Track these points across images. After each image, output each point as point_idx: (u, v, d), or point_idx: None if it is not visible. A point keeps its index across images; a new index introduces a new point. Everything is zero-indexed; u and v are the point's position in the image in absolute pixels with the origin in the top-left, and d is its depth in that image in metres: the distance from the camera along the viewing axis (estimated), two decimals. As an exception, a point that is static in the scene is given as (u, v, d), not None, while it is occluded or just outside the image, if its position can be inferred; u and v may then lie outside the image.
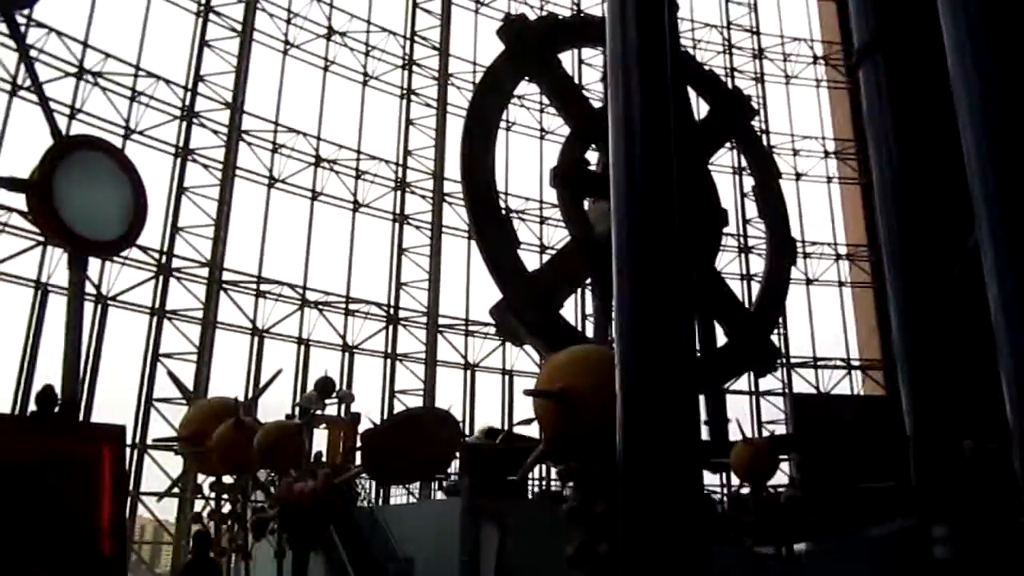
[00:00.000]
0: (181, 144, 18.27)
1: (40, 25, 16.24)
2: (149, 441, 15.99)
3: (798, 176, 26.82)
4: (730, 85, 22.88)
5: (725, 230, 17.64)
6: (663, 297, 7.32)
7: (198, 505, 14.27)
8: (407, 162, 21.87)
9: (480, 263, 21.05)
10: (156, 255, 17.35)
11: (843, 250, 27.00)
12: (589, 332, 20.91)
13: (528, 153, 23.69)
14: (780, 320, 22.32)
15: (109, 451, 10.20)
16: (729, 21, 27.70)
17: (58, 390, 10.07)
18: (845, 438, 18.40)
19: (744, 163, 23.95)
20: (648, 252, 7.38)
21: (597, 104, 17.16)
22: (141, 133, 17.67)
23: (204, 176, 18.48)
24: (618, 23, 8.01)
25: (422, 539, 10.78)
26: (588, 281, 16.31)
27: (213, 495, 13.05)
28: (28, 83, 15.66)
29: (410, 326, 20.88)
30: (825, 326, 26.09)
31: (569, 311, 18.53)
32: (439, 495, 14.08)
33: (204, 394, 16.45)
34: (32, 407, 10.05)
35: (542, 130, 23.91)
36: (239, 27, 19.64)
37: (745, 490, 13.38)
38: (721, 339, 16.32)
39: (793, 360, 24.63)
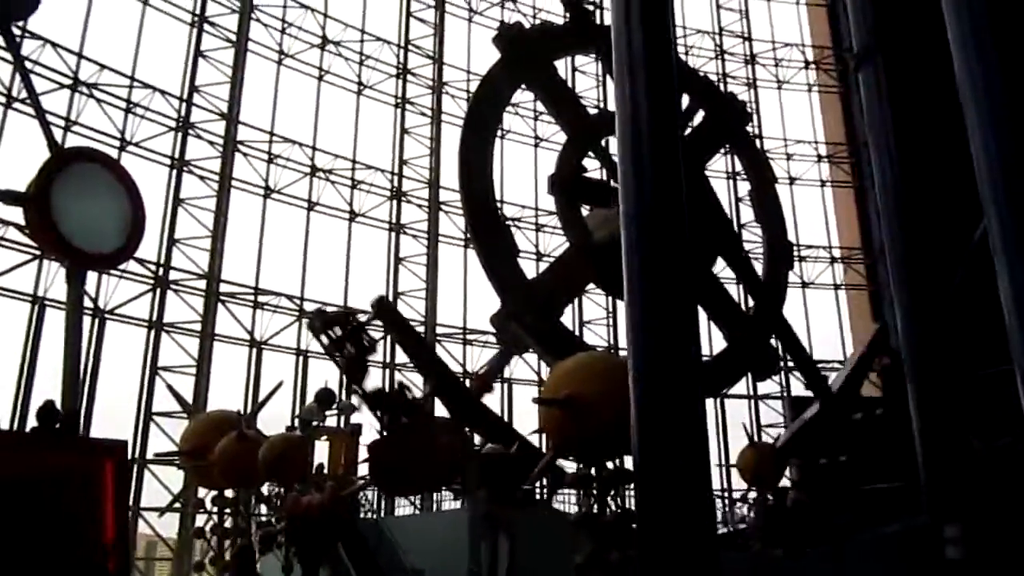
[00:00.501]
0: (177, 155, 18.20)
1: (35, 36, 16.17)
2: (149, 455, 15.87)
3: (792, 180, 26.91)
4: (723, 90, 22.94)
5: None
6: (675, 299, 7.35)
7: (199, 520, 14.18)
8: (403, 171, 21.85)
9: (477, 272, 21.08)
10: (153, 267, 17.25)
11: (837, 253, 27.10)
12: (587, 338, 20.92)
13: (523, 161, 23.71)
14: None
15: (111, 466, 10.10)
16: (721, 27, 27.82)
17: (58, 405, 9.99)
18: (846, 439, 18.43)
19: (739, 168, 24.04)
20: (658, 254, 7.39)
21: (593, 111, 17.20)
22: (136, 144, 17.60)
23: (200, 187, 18.41)
24: (623, 29, 8.04)
25: (429, 550, 10.70)
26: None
27: (216, 509, 12.96)
28: (23, 95, 15.59)
29: (408, 335, 20.78)
30: (821, 329, 26.17)
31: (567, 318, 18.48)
32: (447, 505, 14.01)
33: (203, 407, 16.35)
34: (32, 422, 9.98)
35: (537, 138, 23.93)
36: (233, 37, 19.60)
37: (751, 494, 13.37)
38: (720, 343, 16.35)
39: (790, 364, 24.62)
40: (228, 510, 12.63)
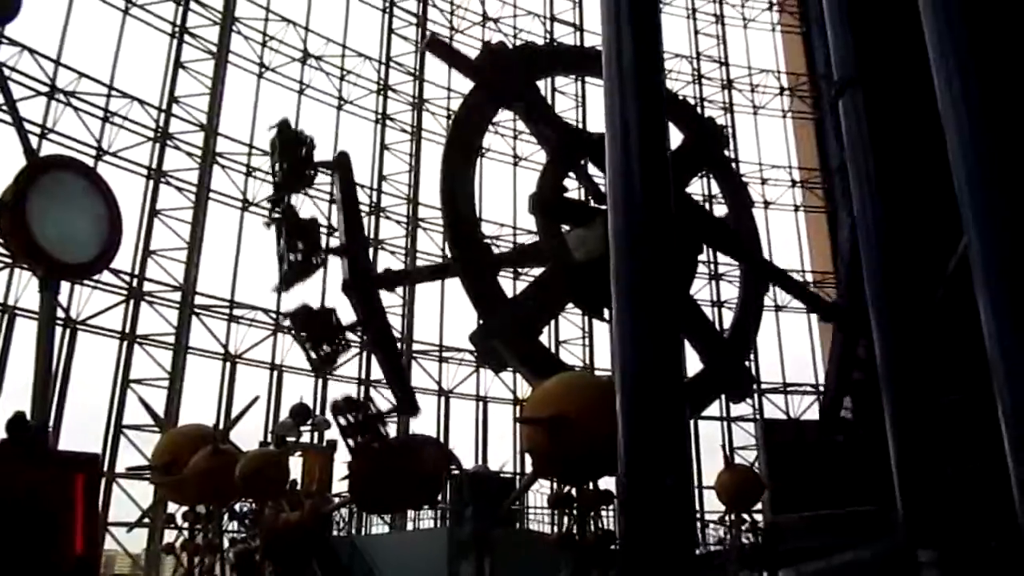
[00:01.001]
0: (154, 166, 18.01)
1: (12, 43, 15.97)
2: (120, 469, 15.57)
3: (766, 204, 27.22)
4: (702, 114, 23.19)
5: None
6: (662, 318, 7.39)
7: (169, 536, 13.93)
8: (382, 187, 21.80)
9: (454, 290, 21.11)
10: (127, 278, 17.02)
11: (810, 277, 27.42)
12: (563, 358, 20.91)
13: (502, 179, 23.78)
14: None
15: (82, 480, 9.90)
16: (698, 52, 28.18)
17: (27, 417, 9.78)
18: (816, 463, 18.60)
19: (715, 191, 24.30)
20: (647, 270, 7.45)
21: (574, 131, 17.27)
22: (113, 154, 17.39)
23: (177, 199, 18.23)
24: (614, 45, 8.13)
25: (407, 569, 10.62)
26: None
27: (187, 525, 12.74)
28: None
29: (384, 351, 20.67)
30: (793, 352, 26.44)
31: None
32: (425, 524, 13.92)
33: (175, 421, 16.12)
34: (0, 434, 9.78)
35: (516, 156, 24.03)
36: (214, 49, 19.49)
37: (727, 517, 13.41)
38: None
39: (764, 386, 24.84)
40: (199, 526, 12.44)
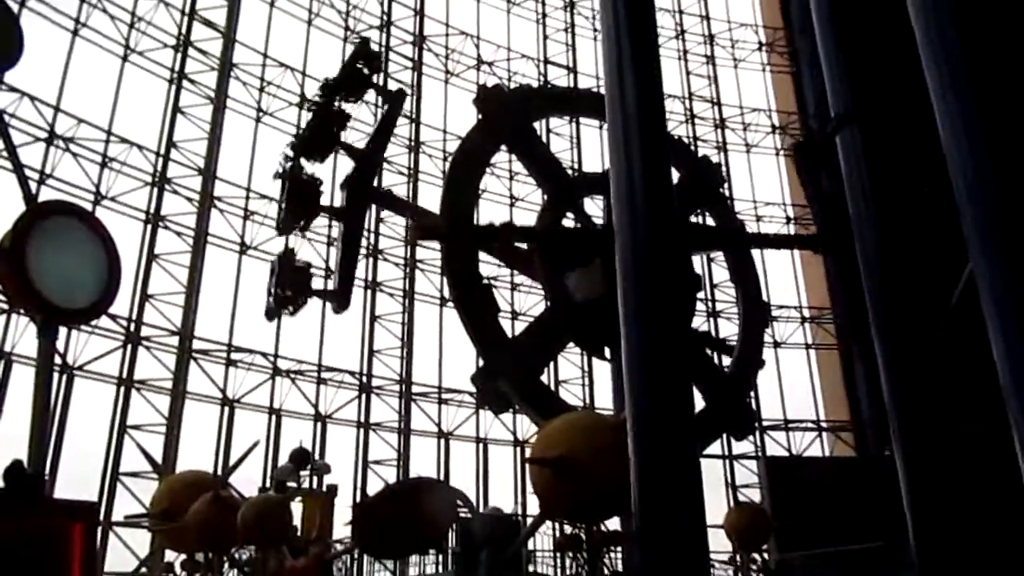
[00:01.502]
0: (152, 210, 18.01)
1: (12, 89, 16.06)
2: (118, 517, 15.31)
3: (762, 241, 27.29)
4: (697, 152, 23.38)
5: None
6: (672, 355, 7.35)
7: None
8: (379, 229, 21.83)
9: (452, 330, 21.07)
10: (124, 323, 16.91)
11: (807, 312, 27.44)
12: (564, 397, 20.79)
13: (498, 220, 23.77)
14: (751, 383, 22.42)
15: (80, 529, 9.71)
16: (691, 92, 28.51)
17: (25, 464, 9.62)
18: (823, 500, 18.45)
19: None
20: (655, 308, 7.42)
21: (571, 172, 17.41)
22: (112, 199, 17.41)
23: (175, 243, 18.21)
24: (617, 87, 8.20)
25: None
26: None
27: (185, 574, 12.52)
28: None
29: (383, 394, 20.56)
30: (793, 388, 26.33)
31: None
32: (429, 568, 13.70)
33: (173, 467, 15.90)
34: (-3, 483, 9.62)
35: (512, 197, 24.13)
36: (212, 94, 19.62)
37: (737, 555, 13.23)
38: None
39: (765, 423, 24.70)
40: (198, 574, 12.23)
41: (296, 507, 14.60)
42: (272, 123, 21.00)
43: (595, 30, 27.93)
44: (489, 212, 23.55)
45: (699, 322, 24.35)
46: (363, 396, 20.16)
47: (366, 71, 15.13)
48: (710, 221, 19.78)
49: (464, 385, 21.06)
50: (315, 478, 15.74)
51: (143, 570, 15.07)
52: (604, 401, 21.51)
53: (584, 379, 22.76)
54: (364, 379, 20.33)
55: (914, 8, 7.66)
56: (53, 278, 10.85)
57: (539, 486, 9.31)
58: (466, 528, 9.60)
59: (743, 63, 29.80)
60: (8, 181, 14.45)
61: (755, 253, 21.56)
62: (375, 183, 15.48)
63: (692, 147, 25.66)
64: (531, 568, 13.20)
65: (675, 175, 18.40)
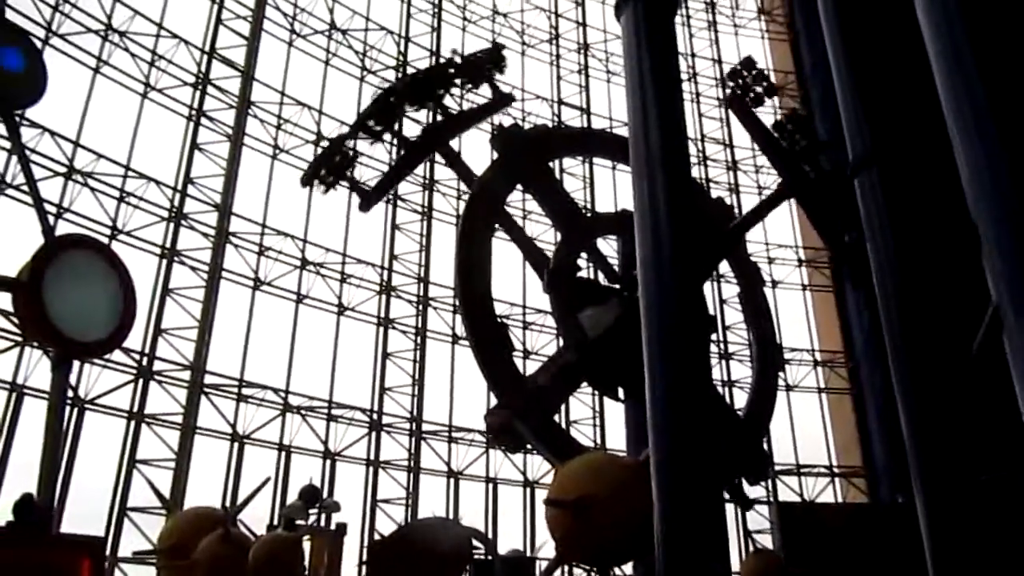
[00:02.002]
0: (168, 245, 18.09)
1: (34, 125, 16.23)
2: (125, 553, 15.13)
3: (774, 284, 27.29)
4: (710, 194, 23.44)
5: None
6: (696, 397, 7.28)
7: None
8: (392, 266, 21.87)
9: (464, 369, 20.99)
10: (137, 357, 16.89)
11: (819, 356, 27.27)
12: (577, 439, 20.61)
13: (511, 259, 23.81)
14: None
15: (87, 564, 9.61)
16: (703, 134, 28.69)
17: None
18: (838, 547, 18.10)
19: (722, 270, 24.39)
20: (680, 349, 7.37)
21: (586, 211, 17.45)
22: (128, 233, 17.48)
23: (189, 278, 18.25)
24: (641, 128, 8.24)
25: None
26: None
27: (192, 613, 12.29)
28: (16, 181, 15.53)
29: (394, 432, 20.43)
30: (805, 433, 26.08)
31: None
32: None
33: (181, 503, 15.74)
34: (6, 516, 9.52)
35: (525, 236, 24.13)
36: (230, 131, 19.80)
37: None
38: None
39: (777, 467, 24.42)
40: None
41: (305, 545, 14.47)
42: (288, 160, 21.18)
43: (608, 72, 28.24)
44: (502, 251, 23.62)
45: (712, 364, 24.23)
46: (373, 433, 20.03)
47: (493, 70, 16.51)
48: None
49: (474, 424, 20.96)
50: (324, 516, 15.56)
51: (149, 608, 14.82)
52: (615, 442, 21.34)
53: (596, 419, 22.59)
54: (375, 416, 20.21)
55: (935, 51, 7.70)
56: (70, 312, 10.83)
57: (557, 528, 9.17)
58: (482, 569, 9.44)
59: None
60: (27, 214, 14.56)
61: (767, 294, 21.51)
62: (449, 145, 16.48)
63: (705, 188, 25.77)
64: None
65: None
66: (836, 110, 12.27)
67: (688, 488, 6.39)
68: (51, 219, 15.83)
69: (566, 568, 12.77)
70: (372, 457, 19.77)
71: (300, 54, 22.45)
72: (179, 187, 18.63)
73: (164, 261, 17.94)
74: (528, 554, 17.80)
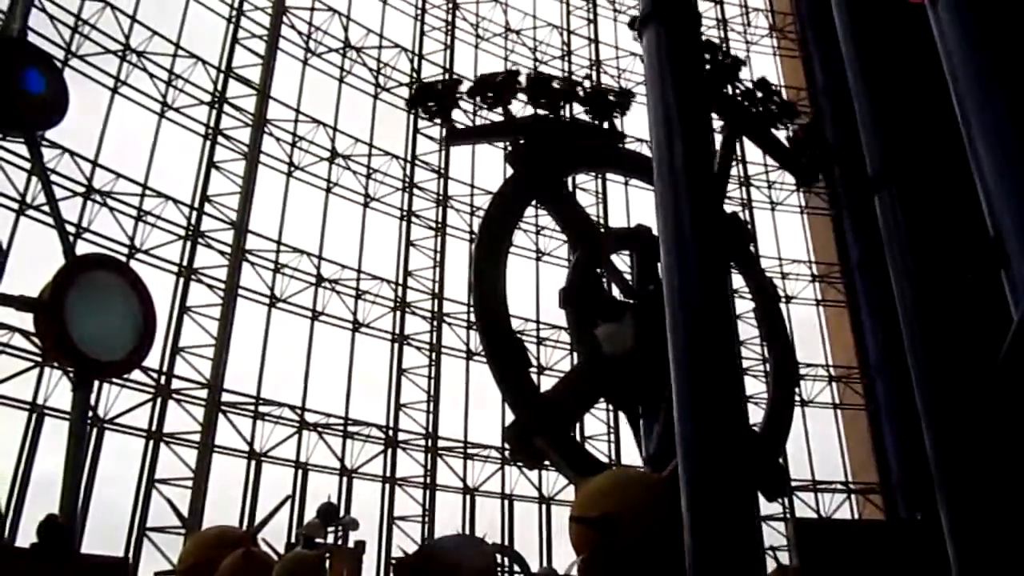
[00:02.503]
0: (185, 263, 18.19)
1: (54, 145, 16.38)
2: (145, 573, 15.13)
3: (788, 299, 27.22)
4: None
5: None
6: (725, 411, 7.26)
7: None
8: (407, 282, 21.93)
9: (480, 385, 20.96)
10: (155, 376, 16.95)
11: (833, 371, 27.16)
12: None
13: (525, 275, 23.89)
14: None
15: (112, 585, 9.60)
16: (717, 151, 28.69)
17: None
18: (855, 564, 17.94)
19: (736, 286, 24.31)
20: (708, 365, 7.35)
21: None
22: (145, 252, 17.59)
23: (206, 295, 18.32)
24: (665, 142, 8.26)
25: None
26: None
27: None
28: (36, 201, 15.64)
29: (409, 449, 20.41)
30: (821, 449, 25.93)
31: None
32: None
33: (200, 522, 15.75)
34: (29, 537, 9.53)
35: (539, 252, 24.22)
36: (246, 150, 19.93)
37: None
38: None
39: (793, 483, 24.28)
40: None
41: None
42: (303, 176, 21.30)
43: (620, 88, 28.31)
44: (516, 267, 23.69)
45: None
46: (389, 450, 20.02)
47: (616, 108, 16.47)
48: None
49: (490, 440, 20.95)
50: (342, 534, 15.53)
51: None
52: (630, 458, 21.25)
53: (610, 435, 22.53)
54: (390, 433, 20.20)
55: (952, 64, 7.71)
56: (91, 333, 10.86)
57: (582, 546, 9.14)
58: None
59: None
60: (47, 234, 14.68)
61: (781, 309, 21.46)
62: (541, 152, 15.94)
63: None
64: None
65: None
66: (848, 126, 12.29)
67: (720, 501, 6.36)
68: (70, 239, 15.95)
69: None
70: (388, 474, 19.75)
71: (315, 72, 22.63)
72: (196, 205, 18.75)
73: (181, 279, 18.03)
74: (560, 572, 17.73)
